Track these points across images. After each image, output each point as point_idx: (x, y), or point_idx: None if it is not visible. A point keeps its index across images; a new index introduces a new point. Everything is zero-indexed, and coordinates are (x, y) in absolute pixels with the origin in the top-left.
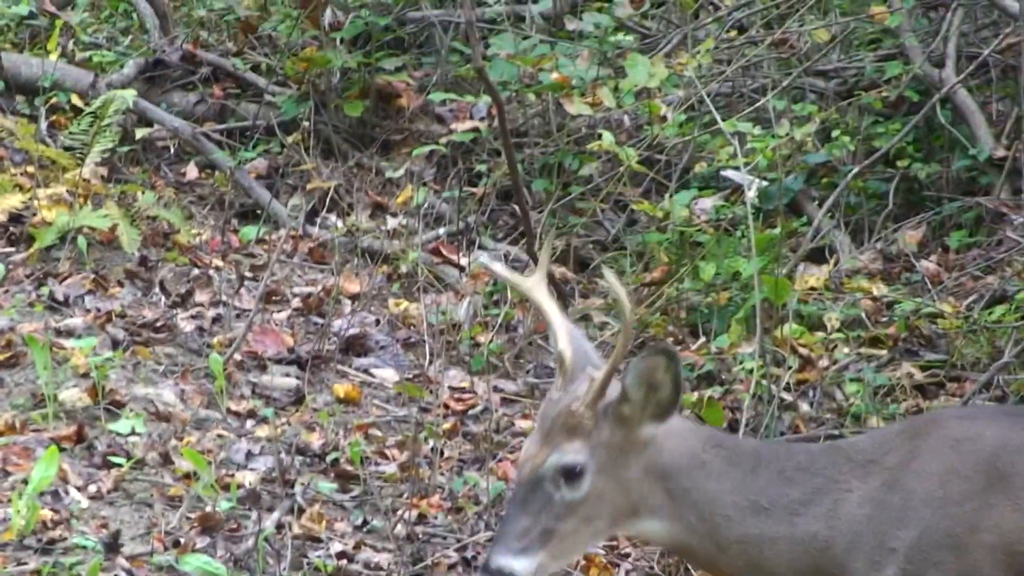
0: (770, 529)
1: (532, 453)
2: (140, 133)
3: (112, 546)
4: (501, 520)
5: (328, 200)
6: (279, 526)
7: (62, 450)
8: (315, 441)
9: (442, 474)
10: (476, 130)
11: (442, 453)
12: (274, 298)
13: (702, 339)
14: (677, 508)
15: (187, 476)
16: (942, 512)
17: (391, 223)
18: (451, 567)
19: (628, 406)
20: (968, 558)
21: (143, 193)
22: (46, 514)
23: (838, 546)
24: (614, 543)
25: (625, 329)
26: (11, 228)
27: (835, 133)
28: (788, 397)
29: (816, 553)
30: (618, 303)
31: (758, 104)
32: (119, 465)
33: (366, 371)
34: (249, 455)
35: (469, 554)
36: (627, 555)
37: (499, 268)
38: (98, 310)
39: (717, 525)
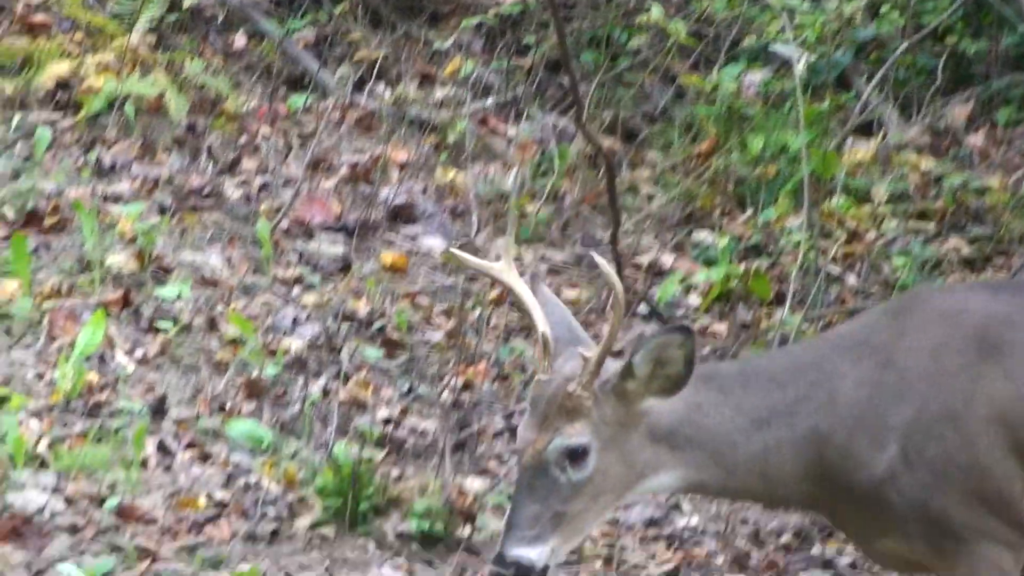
0: (772, 437)
1: (531, 439)
2: (188, 1)
3: (158, 410)
4: (509, 509)
5: (376, 70)
6: (325, 392)
7: (108, 315)
8: (362, 308)
9: (488, 342)
10: (524, 2)
11: (489, 321)
12: (322, 166)
13: (749, 211)
14: (683, 455)
15: (233, 342)
16: (938, 386)
17: (439, 93)
18: (496, 434)
19: (633, 382)
20: (965, 430)
21: (191, 61)
22: (92, 378)
23: (839, 434)
24: None
25: (617, 311)
26: (59, 95)
27: (884, 9)
28: (835, 269)
29: (820, 446)
30: (611, 288)
31: None
32: (165, 330)
33: (413, 239)
34: (296, 322)
35: (514, 422)
36: None
37: (467, 256)
38: (145, 176)
39: (723, 454)
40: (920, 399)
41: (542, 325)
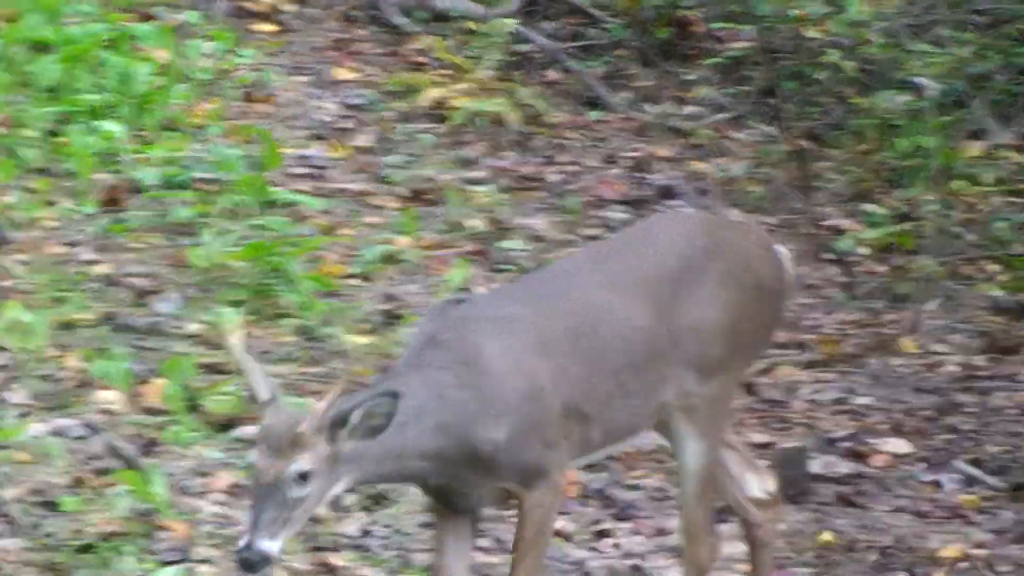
0: (411, 440)
1: (269, 464)
2: (519, 48)
3: None
4: (252, 514)
5: (646, 94)
6: None
7: (469, 261)
8: None
9: None
10: (746, 48)
11: None
12: (611, 159)
13: (899, 190)
14: (356, 471)
15: None
16: (514, 383)
17: (688, 110)
18: None
19: (343, 429)
20: (540, 406)
21: (522, 88)
22: None
23: (456, 428)
24: None
25: (343, 380)
26: (434, 111)
27: (988, 52)
28: (957, 230)
29: (442, 438)
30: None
31: (934, 31)
32: (508, 271)
33: (672, 209)
34: None
35: None
36: None
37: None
38: (493, 167)
39: (384, 465)
40: (507, 398)
41: (263, 391)
